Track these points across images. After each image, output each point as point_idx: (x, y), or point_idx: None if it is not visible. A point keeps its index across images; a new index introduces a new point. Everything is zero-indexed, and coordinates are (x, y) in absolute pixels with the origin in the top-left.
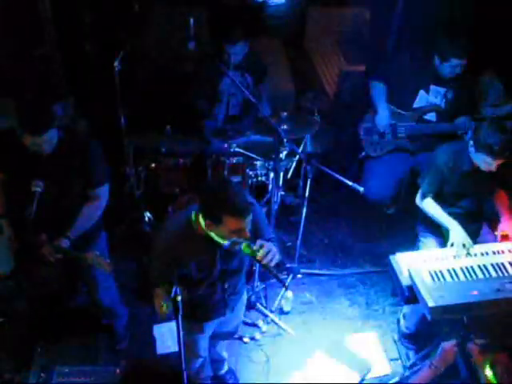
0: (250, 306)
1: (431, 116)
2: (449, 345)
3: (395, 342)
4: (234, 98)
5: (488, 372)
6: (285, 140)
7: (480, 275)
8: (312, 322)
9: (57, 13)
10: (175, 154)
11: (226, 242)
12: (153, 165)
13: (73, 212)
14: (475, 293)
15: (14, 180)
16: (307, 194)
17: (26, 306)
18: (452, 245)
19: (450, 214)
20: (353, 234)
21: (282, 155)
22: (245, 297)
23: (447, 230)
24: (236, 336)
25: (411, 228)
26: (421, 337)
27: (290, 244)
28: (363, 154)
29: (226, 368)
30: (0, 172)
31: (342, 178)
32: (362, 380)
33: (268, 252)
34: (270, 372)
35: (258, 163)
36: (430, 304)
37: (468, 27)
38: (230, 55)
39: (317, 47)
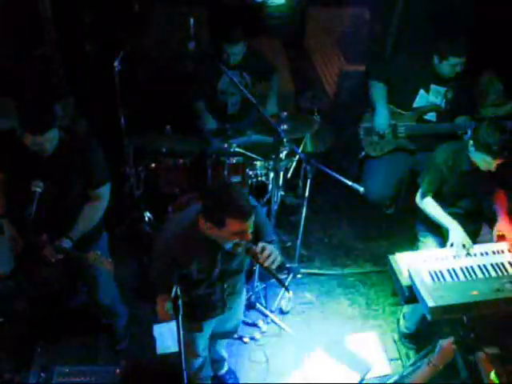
0: (250, 306)
1: (431, 116)
2: (447, 342)
3: (395, 341)
4: (233, 98)
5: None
6: (285, 140)
7: (480, 275)
8: (312, 321)
9: (57, 13)
10: (175, 154)
11: (228, 245)
12: (153, 165)
13: (73, 212)
14: (475, 293)
15: (14, 180)
16: (307, 193)
17: (26, 306)
18: (452, 245)
19: (449, 214)
20: (353, 234)
21: (282, 155)
22: (244, 296)
23: (447, 230)
24: (236, 336)
25: (411, 228)
26: (421, 337)
27: (289, 244)
28: (363, 153)
29: (225, 368)
30: (0, 172)
31: (341, 178)
32: (362, 380)
33: (270, 255)
34: (269, 372)
35: (258, 163)
36: (430, 304)
37: (468, 27)
38: (229, 55)
39: (317, 47)
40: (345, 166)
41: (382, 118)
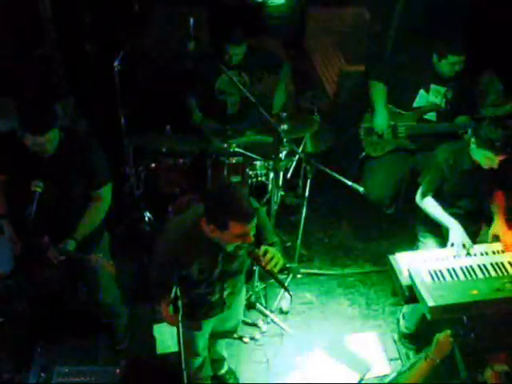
0: (250, 306)
1: (431, 116)
2: (443, 335)
3: (395, 341)
4: (233, 98)
5: None
6: (285, 140)
7: (480, 275)
8: (312, 321)
9: (57, 13)
10: (175, 154)
11: (229, 247)
12: (153, 165)
13: (75, 213)
14: (475, 292)
15: (14, 180)
16: (307, 193)
17: (26, 305)
18: (452, 245)
19: (449, 214)
20: (353, 234)
21: (282, 155)
22: (244, 296)
23: (447, 230)
24: (236, 336)
25: (411, 228)
26: (420, 337)
27: (289, 244)
28: (363, 154)
29: (225, 368)
30: (1, 173)
31: (341, 178)
32: (361, 380)
33: (272, 258)
34: (269, 372)
35: (258, 163)
36: (430, 304)
37: (467, 26)
38: (231, 56)
39: (317, 47)
40: (345, 166)
41: (381, 118)
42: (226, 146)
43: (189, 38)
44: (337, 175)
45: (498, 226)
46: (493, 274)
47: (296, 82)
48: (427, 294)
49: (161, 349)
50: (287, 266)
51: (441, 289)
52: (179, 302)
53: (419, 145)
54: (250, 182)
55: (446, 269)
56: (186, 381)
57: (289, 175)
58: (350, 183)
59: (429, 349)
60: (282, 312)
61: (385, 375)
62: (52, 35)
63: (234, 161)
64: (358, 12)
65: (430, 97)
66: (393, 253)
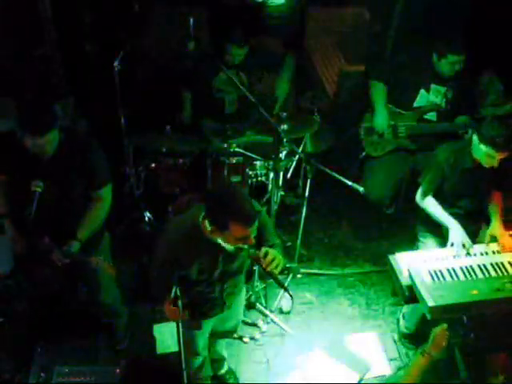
0: (250, 306)
1: (431, 115)
2: (439, 329)
3: (395, 341)
4: (230, 96)
5: None
6: (285, 140)
7: (480, 275)
8: (312, 321)
9: (57, 13)
10: (175, 154)
11: (230, 248)
12: (153, 165)
13: (74, 213)
14: (475, 292)
15: (14, 180)
16: (307, 193)
17: (26, 306)
18: (452, 245)
19: (449, 214)
20: (353, 234)
21: (282, 155)
22: (244, 295)
23: (447, 230)
24: (236, 336)
25: (411, 228)
26: (420, 337)
27: (289, 244)
28: (364, 154)
29: (225, 368)
30: (1, 173)
31: (341, 178)
32: (361, 380)
33: (273, 259)
34: (269, 372)
35: (258, 163)
36: (430, 303)
37: (467, 25)
38: (234, 56)
39: (317, 47)
40: (345, 166)
41: (381, 117)
42: (226, 146)
43: (189, 38)
44: (337, 175)
45: (495, 227)
46: (493, 274)
47: (296, 82)
48: (427, 293)
49: (161, 349)
50: (287, 266)
51: (441, 289)
52: (179, 302)
53: (419, 145)
54: (250, 181)
55: (445, 269)
56: (186, 381)
57: (289, 175)
58: (350, 183)
59: (426, 345)
60: (281, 312)
61: (384, 375)
62: (52, 35)
63: (234, 161)
64: (358, 12)
65: (430, 96)
66: (393, 253)
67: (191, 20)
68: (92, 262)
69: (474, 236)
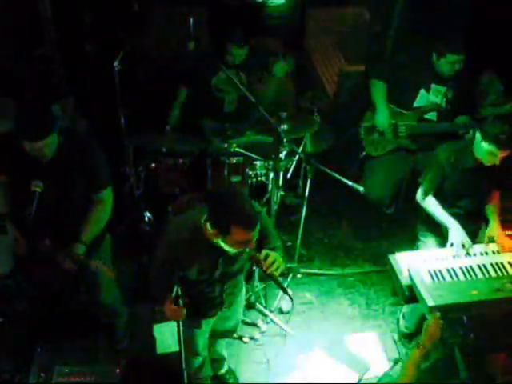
0: (250, 306)
1: (432, 115)
2: (431, 319)
3: (395, 341)
4: (230, 96)
5: None
6: (285, 140)
7: (480, 275)
8: (312, 321)
9: (57, 13)
10: (175, 154)
11: (231, 250)
12: (153, 165)
13: (75, 213)
14: (475, 292)
15: (14, 181)
16: (307, 193)
17: (26, 306)
18: (452, 245)
19: (449, 214)
20: (353, 234)
21: (282, 155)
22: (244, 295)
23: (447, 230)
24: (236, 336)
25: (411, 228)
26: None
27: (289, 244)
28: (364, 154)
29: (225, 368)
30: (1, 173)
31: (341, 178)
32: (361, 380)
33: (273, 262)
34: (269, 372)
35: (258, 163)
36: (430, 303)
37: (467, 25)
38: (235, 56)
39: (317, 47)
40: (345, 166)
41: (382, 115)
42: (226, 145)
43: (189, 38)
44: (337, 175)
45: (494, 227)
46: (493, 274)
47: (296, 82)
48: (427, 293)
49: (161, 349)
50: (287, 266)
51: (441, 289)
52: (180, 301)
53: (420, 144)
54: (250, 181)
55: (445, 269)
56: (186, 381)
57: (289, 175)
58: (350, 183)
59: (419, 337)
60: (281, 312)
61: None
62: (52, 35)
63: (234, 161)
64: (358, 12)
65: (430, 96)
66: (393, 253)
67: (191, 20)
68: (91, 266)
69: (474, 236)
